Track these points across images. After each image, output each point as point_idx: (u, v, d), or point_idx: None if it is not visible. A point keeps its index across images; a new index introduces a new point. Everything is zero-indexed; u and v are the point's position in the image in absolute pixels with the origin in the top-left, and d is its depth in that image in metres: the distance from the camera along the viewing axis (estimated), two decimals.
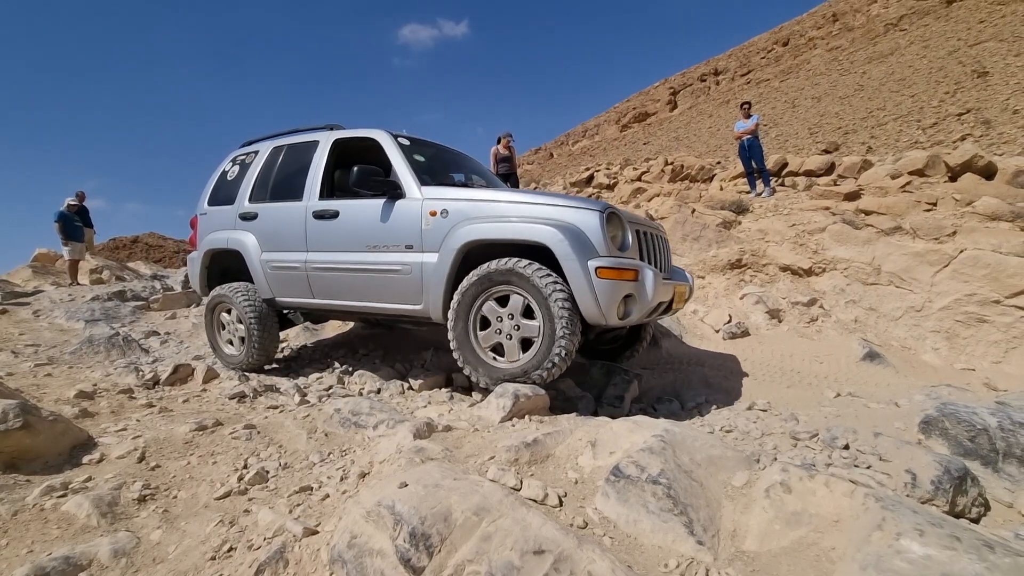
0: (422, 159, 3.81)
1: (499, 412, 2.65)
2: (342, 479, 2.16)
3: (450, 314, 3.10)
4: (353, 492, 1.97)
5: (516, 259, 2.92)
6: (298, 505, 1.98)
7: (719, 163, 12.71)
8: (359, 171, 3.30)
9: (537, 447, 2.05)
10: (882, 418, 2.88)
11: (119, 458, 2.40)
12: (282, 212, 3.95)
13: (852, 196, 6.75)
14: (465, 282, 3.06)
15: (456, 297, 3.06)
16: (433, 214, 3.20)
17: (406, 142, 3.76)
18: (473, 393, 3.66)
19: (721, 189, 10.20)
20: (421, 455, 2.04)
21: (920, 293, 4.61)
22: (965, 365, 4.09)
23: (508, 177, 9.16)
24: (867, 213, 5.81)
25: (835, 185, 8.27)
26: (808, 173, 9.68)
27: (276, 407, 3.35)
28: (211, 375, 3.88)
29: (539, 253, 2.96)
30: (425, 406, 3.33)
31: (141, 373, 3.74)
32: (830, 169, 9.50)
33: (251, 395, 3.52)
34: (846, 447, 2.44)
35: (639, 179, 13.47)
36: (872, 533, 1.27)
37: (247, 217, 4.14)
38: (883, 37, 37.92)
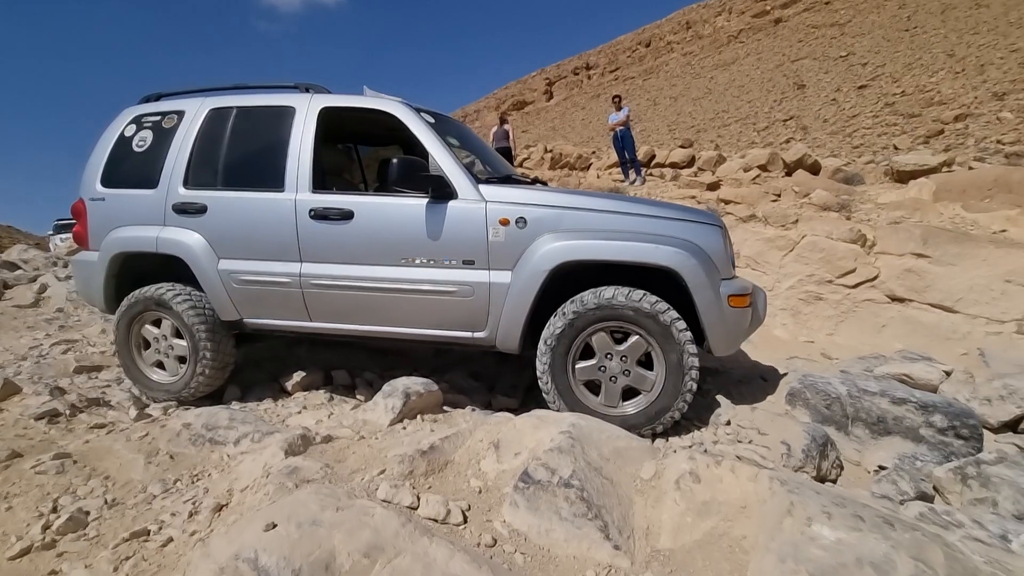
0: (456, 143, 3.08)
1: (388, 414, 2.39)
2: (191, 515, 1.76)
3: (543, 348, 2.59)
4: (205, 533, 1.59)
5: (638, 292, 2.47)
6: (128, 558, 1.55)
7: (594, 152, 13.30)
8: (401, 164, 2.62)
9: (434, 454, 1.83)
10: (755, 391, 3.08)
11: None
12: (252, 206, 3.02)
13: (713, 186, 7.41)
14: (558, 321, 2.54)
15: (549, 342, 2.56)
16: (504, 222, 2.60)
17: (431, 119, 2.97)
18: (356, 393, 3.31)
19: (598, 177, 10.66)
20: (294, 477, 1.71)
21: (771, 275, 5.17)
22: (807, 338, 4.67)
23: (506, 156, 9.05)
24: (727, 202, 6.40)
25: (696, 176, 9.05)
26: (673, 165, 10.51)
27: (103, 426, 2.73)
28: (10, 390, 3.04)
29: (632, 272, 2.56)
30: (299, 412, 2.93)
31: None
32: (691, 162, 10.41)
33: (68, 413, 2.83)
34: (728, 423, 2.57)
35: (520, 165, 13.61)
36: (783, 520, 1.27)
37: (189, 210, 3.09)
38: (727, 47, 42.66)
